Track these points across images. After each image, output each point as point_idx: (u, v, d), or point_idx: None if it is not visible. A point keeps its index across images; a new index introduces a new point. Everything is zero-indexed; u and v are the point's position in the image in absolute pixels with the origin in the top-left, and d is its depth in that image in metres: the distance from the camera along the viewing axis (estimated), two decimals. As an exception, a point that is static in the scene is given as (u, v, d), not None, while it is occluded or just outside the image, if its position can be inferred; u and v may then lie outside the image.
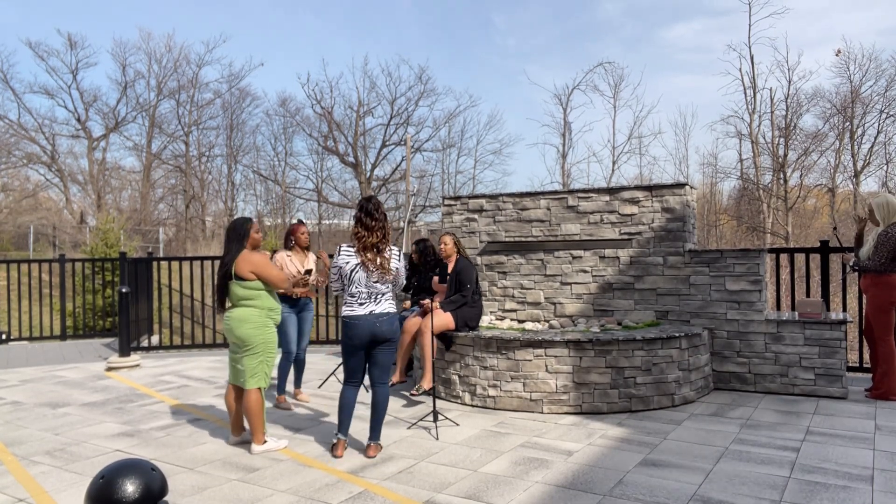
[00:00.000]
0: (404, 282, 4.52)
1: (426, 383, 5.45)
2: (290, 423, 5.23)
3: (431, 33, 50.34)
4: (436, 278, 5.93)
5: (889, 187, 25.69)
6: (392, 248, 4.31)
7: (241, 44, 51.37)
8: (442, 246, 5.96)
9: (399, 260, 4.34)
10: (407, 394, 6.07)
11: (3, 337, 10.46)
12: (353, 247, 4.26)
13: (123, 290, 7.85)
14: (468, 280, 5.76)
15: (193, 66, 35.49)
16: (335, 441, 4.35)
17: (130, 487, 2.01)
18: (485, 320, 6.54)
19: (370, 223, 4.22)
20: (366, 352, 4.31)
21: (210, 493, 3.69)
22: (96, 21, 47.14)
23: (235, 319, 4.43)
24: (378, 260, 4.19)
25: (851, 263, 5.87)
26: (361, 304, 4.21)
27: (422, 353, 5.63)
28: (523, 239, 6.87)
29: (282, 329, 5.52)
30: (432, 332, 5.32)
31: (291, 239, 5.79)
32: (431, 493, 3.63)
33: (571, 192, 6.70)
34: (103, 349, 9.55)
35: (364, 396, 5.58)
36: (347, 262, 4.22)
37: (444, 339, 5.79)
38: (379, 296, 4.25)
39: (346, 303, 4.27)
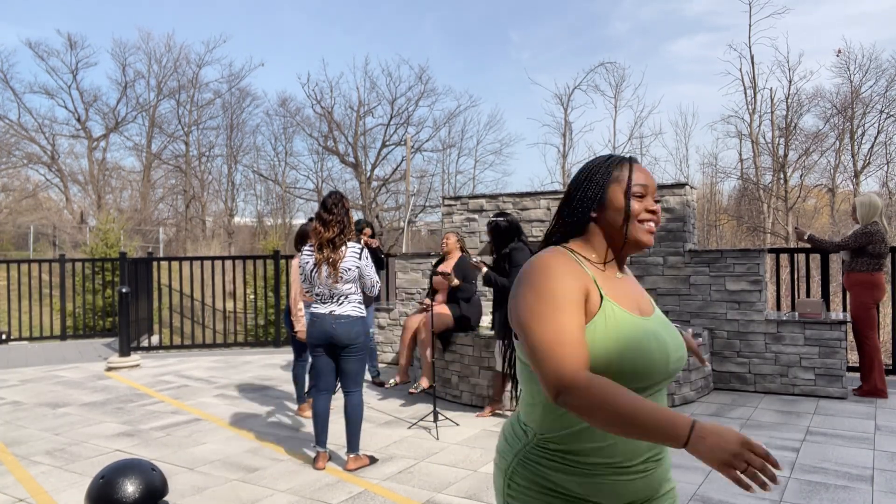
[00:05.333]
0: (375, 283, 4.14)
1: (425, 382, 5.48)
2: (290, 423, 5.23)
3: (451, 49, 51.73)
4: (437, 278, 5.92)
5: (889, 187, 25.69)
6: (352, 244, 4.05)
7: (241, 44, 51.47)
8: (444, 241, 5.98)
9: (359, 258, 4.04)
10: (406, 392, 6.07)
11: (3, 337, 10.46)
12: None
13: (123, 290, 7.85)
14: (472, 276, 5.78)
15: (193, 66, 35.52)
16: (315, 454, 4.15)
17: (130, 487, 2.00)
18: (485, 320, 6.53)
19: (327, 218, 4.00)
20: (333, 357, 4.10)
21: (210, 493, 3.69)
22: (96, 21, 47.19)
23: None
24: (332, 258, 3.96)
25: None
26: (324, 304, 4.03)
27: (421, 353, 5.65)
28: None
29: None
30: (432, 330, 5.33)
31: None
32: (431, 493, 3.63)
33: (571, 192, 6.68)
34: (103, 349, 9.55)
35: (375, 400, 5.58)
36: (308, 261, 4.07)
37: (443, 338, 5.79)
38: (341, 297, 4.02)
39: (313, 302, 4.16)
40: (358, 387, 4.11)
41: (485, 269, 5.10)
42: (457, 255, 5.92)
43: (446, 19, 52.05)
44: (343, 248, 4.00)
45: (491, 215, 7.01)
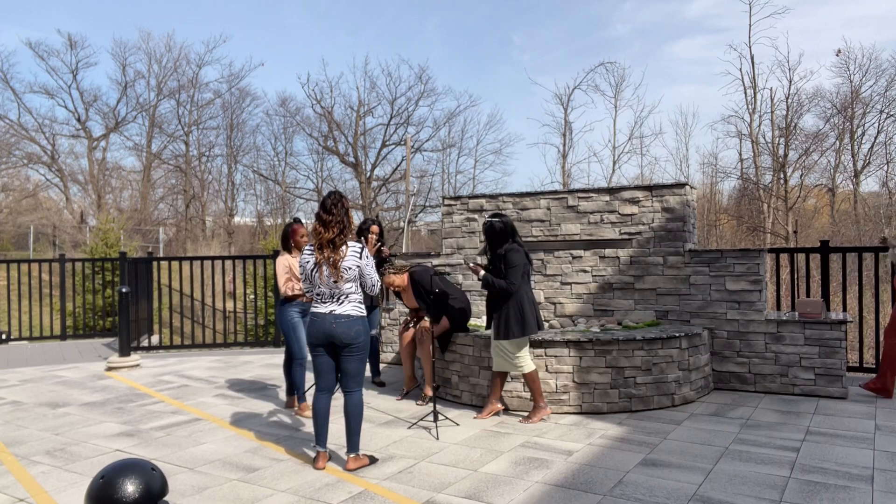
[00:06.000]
0: (376, 282, 4.13)
1: (428, 391, 5.62)
2: (290, 423, 5.23)
3: (453, 51, 52.10)
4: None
5: (889, 187, 25.69)
6: (352, 244, 4.04)
7: (241, 44, 51.47)
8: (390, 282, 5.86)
9: (360, 258, 4.03)
10: (407, 394, 6.07)
11: (3, 337, 10.46)
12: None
13: (123, 290, 7.85)
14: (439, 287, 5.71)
15: (193, 66, 35.55)
16: (315, 454, 4.16)
17: (130, 487, 2.00)
18: (485, 320, 6.54)
19: (327, 219, 3.99)
20: (333, 357, 4.11)
21: (210, 493, 3.69)
22: (96, 21, 47.19)
23: None
24: (332, 258, 3.95)
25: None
26: (324, 304, 4.04)
27: (423, 362, 5.68)
28: (523, 239, 6.86)
29: (292, 335, 5.41)
30: (433, 335, 5.35)
31: (290, 241, 5.46)
32: (431, 493, 3.63)
33: (571, 192, 6.69)
34: (103, 349, 9.55)
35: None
36: (308, 261, 4.06)
37: (442, 339, 5.80)
38: (342, 296, 4.01)
39: (314, 302, 4.15)
40: (358, 387, 4.11)
41: (482, 273, 5.04)
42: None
43: (449, 22, 52.27)
44: (343, 247, 4.00)
45: (486, 215, 7.02)
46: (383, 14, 51.78)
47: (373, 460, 4.15)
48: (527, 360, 5.01)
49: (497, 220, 5.05)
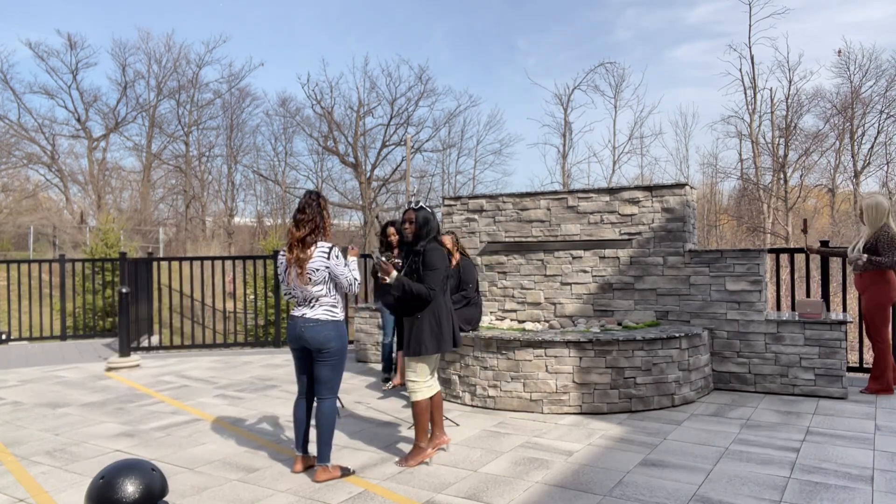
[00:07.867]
0: (353, 281, 3.93)
1: (397, 379, 6.02)
2: (290, 423, 5.23)
3: (459, 55, 52.26)
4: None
5: (889, 187, 25.69)
6: (321, 244, 3.87)
7: (241, 44, 51.48)
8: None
9: (328, 258, 3.85)
10: (405, 393, 6.07)
11: (3, 337, 10.45)
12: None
13: (123, 291, 7.85)
14: (470, 279, 5.78)
15: (193, 66, 35.52)
16: (294, 457, 4.08)
17: (130, 487, 2.01)
18: (485, 320, 6.54)
19: (300, 217, 3.87)
20: (309, 361, 3.98)
21: (210, 493, 3.69)
22: (96, 21, 47.20)
23: None
24: (300, 257, 3.80)
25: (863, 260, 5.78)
26: (299, 307, 3.92)
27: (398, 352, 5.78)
28: (523, 239, 6.86)
29: None
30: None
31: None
32: (431, 494, 3.63)
33: (571, 192, 6.70)
34: (103, 349, 9.55)
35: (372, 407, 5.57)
36: (281, 262, 3.97)
37: None
38: (313, 300, 3.87)
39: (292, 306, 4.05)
40: (331, 393, 3.94)
41: (394, 274, 4.08)
42: (455, 257, 5.89)
43: (457, 28, 52.34)
44: (312, 247, 3.86)
45: (490, 215, 7.03)
46: (392, 20, 51.84)
47: (345, 472, 3.91)
48: (422, 386, 4.12)
49: (427, 210, 4.24)
